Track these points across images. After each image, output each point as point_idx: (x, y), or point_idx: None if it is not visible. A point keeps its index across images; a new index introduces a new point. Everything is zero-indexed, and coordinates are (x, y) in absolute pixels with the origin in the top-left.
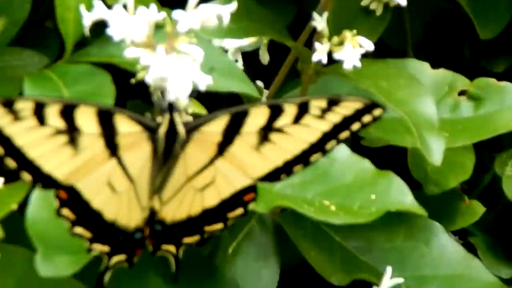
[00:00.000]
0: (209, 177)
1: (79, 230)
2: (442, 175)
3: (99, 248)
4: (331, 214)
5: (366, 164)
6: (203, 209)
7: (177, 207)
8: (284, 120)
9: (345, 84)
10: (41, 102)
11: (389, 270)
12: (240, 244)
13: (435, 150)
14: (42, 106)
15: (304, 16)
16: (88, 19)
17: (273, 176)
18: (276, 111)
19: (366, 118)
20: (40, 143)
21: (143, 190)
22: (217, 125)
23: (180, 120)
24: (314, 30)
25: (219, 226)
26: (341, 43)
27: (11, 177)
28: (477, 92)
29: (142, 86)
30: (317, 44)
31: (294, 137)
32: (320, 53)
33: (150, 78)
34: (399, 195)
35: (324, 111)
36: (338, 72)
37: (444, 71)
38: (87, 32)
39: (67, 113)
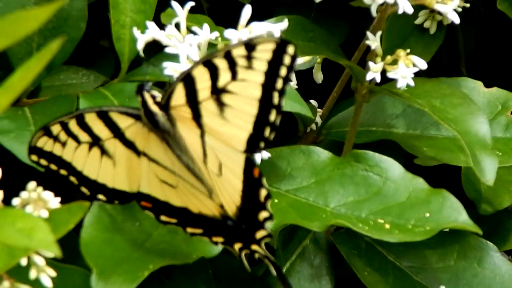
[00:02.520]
0: (214, 158)
1: (190, 230)
2: (495, 194)
3: (219, 240)
4: (385, 232)
5: (419, 182)
6: (239, 194)
7: (224, 198)
8: (224, 78)
9: (399, 102)
10: (62, 121)
11: None
12: (293, 264)
13: (488, 170)
14: (66, 125)
15: (358, 35)
16: (141, 40)
17: (253, 145)
18: (212, 69)
19: (287, 60)
20: (90, 162)
21: (191, 178)
22: (179, 97)
23: (152, 101)
24: (367, 49)
25: (264, 214)
26: (394, 62)
27: (68, 197)
28: None
29: None
30: (370, 63)
31: (242, 96)
32: (373, 72)
33: None
34: (454, 213)
35: (248, 59)
36: (391, 91)
37: (497, 89)
38: (141, 52)
39: (82, 124)
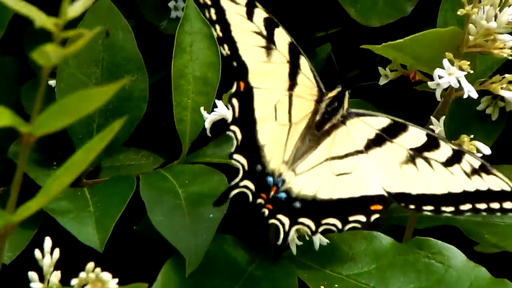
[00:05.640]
0: (349, 167)
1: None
2: None
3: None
4: None
5: (481, 271)
6: (330, 196)
7: (307, 182)
8: (436, 156)
9: None
10: (253, 1)
11: None
12: None
13: None
14: (253, 4)
15: (421, 119)
16: (209, 120)
17: (404, 199)
18: (432, 142)
19: (508, 205)
20: (243, 32)
21: (292, 141)
22: (375, 123)
23: (347, 98)
24: None
25: (335, 221)
26: None
27: (127, 278)
28: None
29: None
30: None
31: (437, 176)
32: None
33: None
34: None
35: (473, 172)
36: None
37: None
38: (208, 132)
39: (269, 24)
